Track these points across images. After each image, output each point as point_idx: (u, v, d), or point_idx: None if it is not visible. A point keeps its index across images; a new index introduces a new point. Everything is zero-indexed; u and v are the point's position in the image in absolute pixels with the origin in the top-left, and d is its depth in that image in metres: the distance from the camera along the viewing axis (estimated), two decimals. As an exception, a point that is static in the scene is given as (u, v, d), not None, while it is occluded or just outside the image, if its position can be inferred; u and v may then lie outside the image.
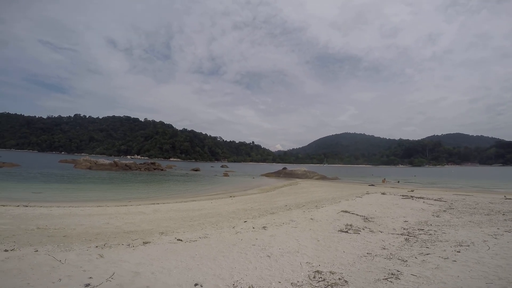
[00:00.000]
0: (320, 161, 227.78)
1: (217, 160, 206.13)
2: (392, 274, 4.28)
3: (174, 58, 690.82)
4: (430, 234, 7.00)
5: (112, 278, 3.85)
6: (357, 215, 9.65)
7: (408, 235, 6.95)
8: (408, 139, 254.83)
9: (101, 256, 4.81)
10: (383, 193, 17.86)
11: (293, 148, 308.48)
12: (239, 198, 18.82)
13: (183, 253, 5.32)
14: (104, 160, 50.73)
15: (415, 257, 5.09)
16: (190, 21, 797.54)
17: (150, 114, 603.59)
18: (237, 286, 3.88)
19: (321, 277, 4.22)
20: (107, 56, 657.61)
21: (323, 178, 44.52)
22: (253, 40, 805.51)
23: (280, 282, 4.04)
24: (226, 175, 50.50)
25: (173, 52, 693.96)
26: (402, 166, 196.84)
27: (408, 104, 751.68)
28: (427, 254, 5.28)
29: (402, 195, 16.42)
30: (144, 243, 6.07)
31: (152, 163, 56.99)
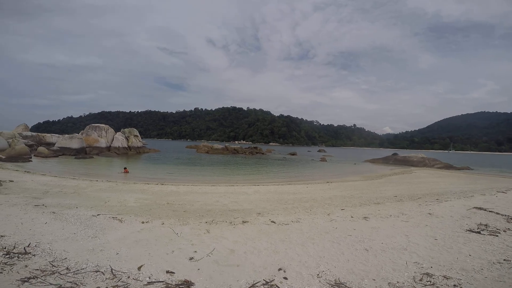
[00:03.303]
0: (444, 147, 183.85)
1: (314, 144, 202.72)
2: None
3: (264, 48, 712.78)
4: None
5: (211, 254, 4.49)
6: (497, 213, 7.45)
7: None
8: None
9: (208, 232, 5.72)
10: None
11: (406, 131, 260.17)
12: (337, 184, 17.90)
13: (274, 235, 5.60)
14: (217, 145, 59.90)
15: None
16: (269, 10, 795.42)
17: (251, 103, 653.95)
18: (321, 277, 3.74)
19: (430, 281, 3.53)
20: (210, 55, 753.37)
21: (448, 167, 35.85)
22: (341, 19, 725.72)
23: (374, 280, 3.63)
24: (323, 160, 49.01)
25: (261, 42, 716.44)
26: None
27: None
28: None
29: None
30: (243, 222, 6.78)
31: (254, 148, 62.64)
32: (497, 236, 5.44)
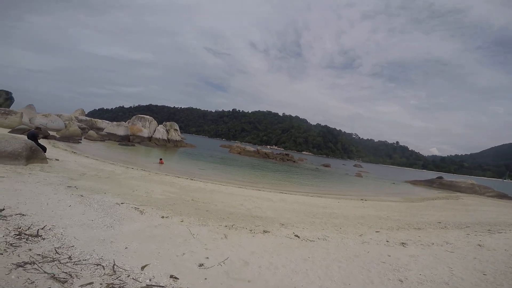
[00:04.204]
0: (498, 175, 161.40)
1: (350, 158, 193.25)
2: None
3: (305, 55, 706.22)
4: None
5: (223, 263, 4.06)
6: None
7: None
8: None
9: (225, 237, 5.32)
10: None
11: (455, 154, 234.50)
12: (373, 203, 16.37)
13: (296, 251, 5.00)
14: (250, 148, 60.13)
15: None
16: (313, 17, 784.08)
17: (287, 109, 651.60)
18: (346, 311, 3.07)
19: None
20: (251, 58, 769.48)
21: (502, 196, 30.86)
22: (392, 29, 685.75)
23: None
24: (359, 175, 46.08)
25: (303, 49, 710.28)
26: None
27: None
28: None
29: None
30: (264, 231, 6.26)
31: (286, 154, 61.59)
32: None
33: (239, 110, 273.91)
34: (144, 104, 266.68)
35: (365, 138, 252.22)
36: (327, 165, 61.30)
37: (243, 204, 10.00)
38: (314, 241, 5.96)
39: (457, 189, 34.45)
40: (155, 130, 43.02)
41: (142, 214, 6.11)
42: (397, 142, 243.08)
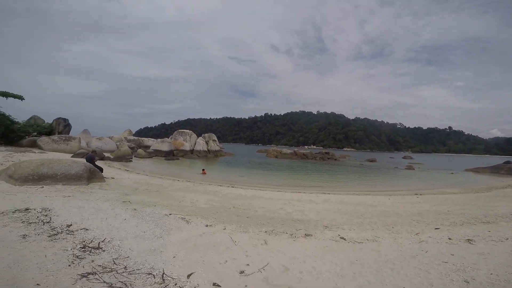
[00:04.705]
0: None
1: (398, 150, 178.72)
2: None
3: (330, 49, 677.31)
4: None
5: (263, 269, 4.00)
6: None
7: None
8: None
9: (265, 243, 5.26)
10: None
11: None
12: (429, 197, 14.78)
13: (341, 255, 4.71)
14: (286, 150, 59.72)
15: None
16: (329, 10, 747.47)
17: (321, 107, 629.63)
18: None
19: None
20: (275, 60, 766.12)
21: None
22: (415, 12, 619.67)
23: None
24: (410, 167, 42.17)
25: (326, 43, 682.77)
26: None
27: None
28: None
29: None
30: (306, 235, 6.05)
31: (326, 153, 59.48)
32: None
33: (271, 114, 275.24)
34: (183, 119, 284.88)
35: (411, 127, 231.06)
36: (372, 160, 57.52)
37: (283, 208, 9.85)
38: (362, 242, 5.56)
39: (534, 173, 29.30)
40: (195, 143, 45.34)
41: (188, 223, 6.40)
42: (450, 128, 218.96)
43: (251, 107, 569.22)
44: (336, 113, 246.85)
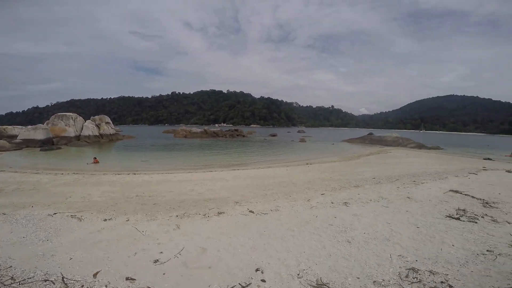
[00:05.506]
0: (416, 127, 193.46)
1: (294, 125, 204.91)
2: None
3: (244, 30, 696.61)
4: None
5: (179, 254, 4.04)
6: (472, 197, 7.57)
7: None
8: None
9: (178, 227, 5.24)
10: (509, 171, 13.50)
11: (381, 112, 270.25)
12: (317, 166, 18.00)
13: (252, 228, 5.25)
14: (196, 129, 58.22)
15: None
16: None
17: (232, 86, 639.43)
18: (302, 277, 3.45)
19: (416, 278, 3.35)
20: (188, 38, 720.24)
21: (421, 146, 37.48)
22: (321, 2, 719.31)
23: (358, 278, 3.38)
24: (303, 140, 49.60)
25: (242, 24, 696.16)
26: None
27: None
28: None
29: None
30: (219, 213, 6.35)
31: (235, 130, 61.96)
32: (476, 222, 5.44)
33: (179, 93, 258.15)
34: (65, 100, 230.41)
35: (304, 105, 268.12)
36: (274, 135, 64.14)
37: (194, 189, 9.82)
38: (267, 213, 6.29)
39: (385, 143, 40.11)
40: (82, 127, 37.85)
41: (80, 221, 5.63)
42: (332, 106, 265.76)
43: (157, 85, 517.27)
44: (245, 92, 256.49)
